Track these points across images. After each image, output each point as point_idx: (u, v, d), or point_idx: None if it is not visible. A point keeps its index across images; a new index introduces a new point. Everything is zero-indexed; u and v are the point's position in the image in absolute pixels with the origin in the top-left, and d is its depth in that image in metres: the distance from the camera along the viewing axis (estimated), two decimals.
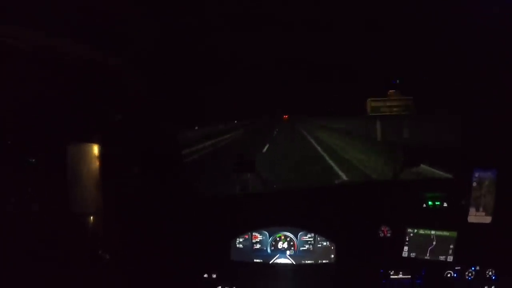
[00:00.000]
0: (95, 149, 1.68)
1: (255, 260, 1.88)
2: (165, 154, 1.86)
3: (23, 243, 1.45)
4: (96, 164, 1.68)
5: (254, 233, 1.89)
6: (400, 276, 1.86)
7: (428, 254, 1.86)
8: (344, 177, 6.02)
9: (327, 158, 8.33)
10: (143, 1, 1.49)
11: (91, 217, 1.68)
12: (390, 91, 1.84)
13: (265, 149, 8.81)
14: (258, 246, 1.89)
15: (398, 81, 1.78)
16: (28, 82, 1.45)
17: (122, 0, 1.42)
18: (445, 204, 1.86)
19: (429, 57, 1.78)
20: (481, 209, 1.81)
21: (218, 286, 1.86)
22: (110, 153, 1.67)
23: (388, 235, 1.86)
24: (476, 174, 1.78)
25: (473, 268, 1.85)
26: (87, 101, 1.65)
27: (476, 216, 1.82)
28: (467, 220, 1.81)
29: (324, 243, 1.87)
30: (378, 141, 8.73)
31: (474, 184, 1.79)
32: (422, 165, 1.85)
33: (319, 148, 9.96)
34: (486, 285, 1.83)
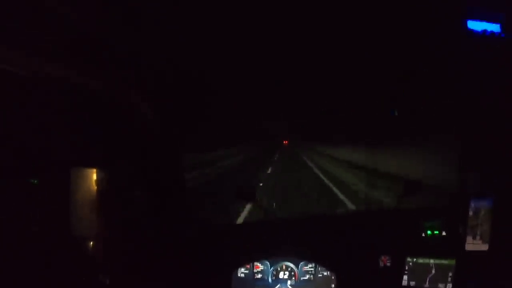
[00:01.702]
0: (97, 173, 1.69)
1: None
2: (168, 180, 1.87)
3: (22, 264, 1.43)
4: (97, 188, 1.68)
5: (255, 263, 1.89)
6: None
7: (427, 283, 1.88)
8: (349, 206, 6.10)
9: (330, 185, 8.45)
10: (146, 28, 1.54)
11: (91, 241, 1.67)
12: None
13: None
14: (259, 276, 1.88)
15: (396, 112, 1.84)
16: (30, 106, 1.47)
17: (122, 27, 1.47)
18: (443, 233, 1.89)
19: (428, 88, 1.86)
20: (478, 237, 1.85)
21: None
22: (111, 177, 1.68)
23: (388, 264, 1.88)
24: (473, 204, 1.82)
25: None
26: (90, 125, 1.67)
27: (474, 244, 1.85)
28: (464, 248, 1.85)
29: (325, 273, 1.88)
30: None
31: (471, 213, 1.83)
32: (420, 195, 1.89)
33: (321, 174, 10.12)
34: None
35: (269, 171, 11.68)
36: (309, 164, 14.37)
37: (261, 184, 7.83)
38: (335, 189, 7.92)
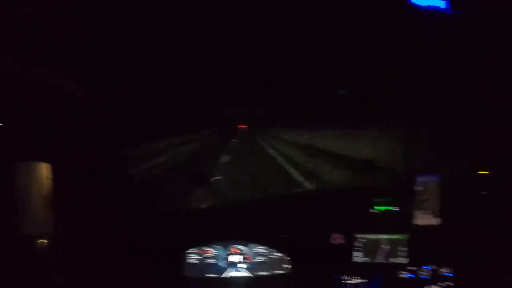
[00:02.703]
0: (45, 168, 1.64)
1: (209, 275, 1.88)
2: (114, 171, 1.85)
3: None
4: (46, 183, 1.63)
5: (206, 248, 1.89)
6: (356, 281, 1.90)
7: (381, 258, 1.90)
8: (306, 186, 6.06)
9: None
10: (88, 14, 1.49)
11: (44, 239, 1.63)
12: None
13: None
14: (212, 261, 1.88)
15: (344, 92, 1.82)
16: None
17: (60, 14, 1.42)
18: (395, 209, 1.91)
19: (372, 65, 1.82)
20: (428, 211, 1.87)
21: None
22: (60, 172, 1.65)
23: (339, 242, 1.89)
24: (419, 179, 1.83)
25: (428, 268, 1.89)
26: (35, 118, 1.64)
27: (424, 219, 1.87)
28: (415, 223, 1.86)
29: (278, 254, 1.89)
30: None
31: (419, 188, 1.84)
32: (370, 173, 1.89)
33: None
34: (443, 282, 1.88)
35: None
36: None
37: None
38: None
